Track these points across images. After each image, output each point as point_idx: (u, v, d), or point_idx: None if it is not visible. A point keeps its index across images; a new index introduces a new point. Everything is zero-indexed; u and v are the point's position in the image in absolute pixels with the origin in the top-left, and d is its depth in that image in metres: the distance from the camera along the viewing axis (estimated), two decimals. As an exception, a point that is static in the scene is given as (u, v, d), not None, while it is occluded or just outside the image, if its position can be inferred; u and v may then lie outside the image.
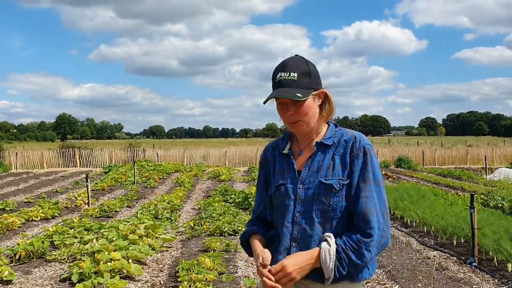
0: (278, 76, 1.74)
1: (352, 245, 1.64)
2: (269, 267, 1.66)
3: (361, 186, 1.70)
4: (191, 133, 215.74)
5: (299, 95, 1.68)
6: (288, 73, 1.72)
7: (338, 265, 1.63)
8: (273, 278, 1.63)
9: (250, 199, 10.02)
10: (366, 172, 1.71)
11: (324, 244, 1.66)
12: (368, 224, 1.66)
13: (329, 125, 1.84)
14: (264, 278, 1.65)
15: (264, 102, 1.75)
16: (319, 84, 1.78)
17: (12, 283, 5.16)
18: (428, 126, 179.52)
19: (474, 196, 5.80)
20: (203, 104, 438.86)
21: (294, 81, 1.71)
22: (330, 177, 1.72)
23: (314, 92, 1.74)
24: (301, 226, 1.72)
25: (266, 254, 1.71)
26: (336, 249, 1.64)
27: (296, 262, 1.64)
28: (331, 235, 1.67)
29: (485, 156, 20.16)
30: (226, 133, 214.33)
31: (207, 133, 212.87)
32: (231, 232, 7.34)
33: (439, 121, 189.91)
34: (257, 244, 1.81)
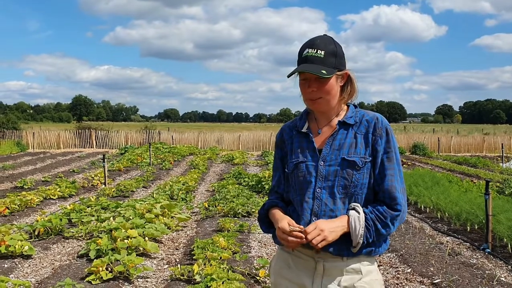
0: (305, 52, 1.78)
1: (378, 215, 1.72)
2: (301, 227, 1.70)
3: (386, 165, 1.77)
4: (205, 117, 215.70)
5: (324, 71, 1.72)
6: (315, 50, 1.76)
7: (366, 232, 1.70)
8: (303, 236, 1.67)
9: (263, 183, 10.08)
10: (390, 152, 1.78)
11: (352, 211, 1.73)
12: (394, 201, 1.74)
13: (348, 106, 1.89)
14: (296, 232, 1.68)
15: (289, 76, 1.78)
16: (344, 66, 1.81)
17: (32, 258, 5.31)
18: (444, 114, 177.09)
19: (490, 183, 5.78)
20: (217, 88, 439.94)
21: (320, 58, 1.75)
22: (352, 155, 1.76)
23: (338, 72, 1.78)
24: (322, 201, 1.76)
25: (292, 220, 1.76)
26: (365, 216, 1.71)
27: (328, 224, 1.70)
28: (358, 205, 1.74)
29: (502, 144, 19.92)
30: (240, 118, 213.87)
31: (221, 117, 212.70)
32: (244, 214, 7.42)
33: (456, 108, 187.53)
34: (279, 212, 1.86)
